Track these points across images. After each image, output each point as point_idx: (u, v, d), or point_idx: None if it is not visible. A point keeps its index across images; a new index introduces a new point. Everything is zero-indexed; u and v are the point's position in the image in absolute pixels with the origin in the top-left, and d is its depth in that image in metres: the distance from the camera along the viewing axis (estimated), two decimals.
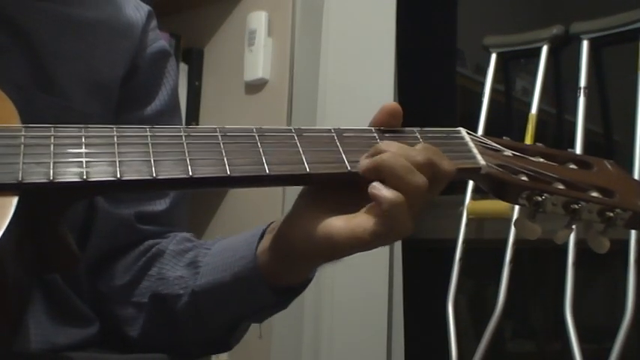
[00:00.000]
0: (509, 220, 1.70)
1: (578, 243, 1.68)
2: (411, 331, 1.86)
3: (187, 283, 0.77)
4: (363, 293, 1.78)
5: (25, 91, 0.73)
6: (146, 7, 0.91)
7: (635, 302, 1.59)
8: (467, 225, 1.87)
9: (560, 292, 1.68)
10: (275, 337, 1.72)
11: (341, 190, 0.66)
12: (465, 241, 1.86)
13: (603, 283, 2.01)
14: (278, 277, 0.70)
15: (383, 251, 1.79)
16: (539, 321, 2.17)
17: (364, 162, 0.64)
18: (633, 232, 1.61)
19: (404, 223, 0.62)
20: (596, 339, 1.85)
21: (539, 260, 2.07)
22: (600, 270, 1.98)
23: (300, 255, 0.67)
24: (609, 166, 0.76)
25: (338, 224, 0.64)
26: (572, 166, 0.75)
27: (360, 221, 0.63)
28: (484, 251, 2.03)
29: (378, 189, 0.62)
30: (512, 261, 1.77)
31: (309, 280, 0.74)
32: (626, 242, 1.62)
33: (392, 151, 0.63)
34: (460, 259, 1.85)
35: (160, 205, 0.86)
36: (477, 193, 1.88)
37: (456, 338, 1.80)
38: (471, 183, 1.88)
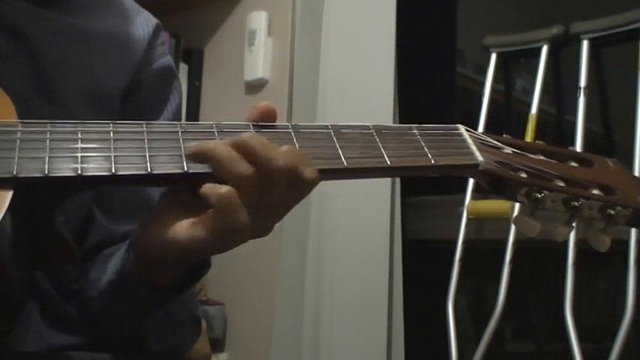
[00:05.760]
0: (509, 220, 1.70)
1: (578, 243, 1.68)
2: (411, 331, 1.86)
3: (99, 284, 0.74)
4: (363, 293, 1.78)
5: (26, 100, 0.72)
6: (155, 21, 0.90)
7: (635, 302, 1.59)
8: (467, 225, 1.87)
9: (560, 292, 1.68)
10: (275, 337, 1.72)
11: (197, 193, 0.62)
12: (465, 241, 1.86)
13: (603, 283, 2.01)
14: (151, 277, 0.67)
15: (383, 251, 1.79)
16: (539, 321, 2.17)
17: (191, 145, 0.62)
18: (633, 232, 1.61)
19: (238, 218, 0.60)
20: (596, 339, 1.84)
21: (539, 260, 2.07)
22: (600, 270, 1.98)
23: (158, 259, 0.65)
24: (610, 164, 0.76)
25: (181, 227, 0.62)
26: (573, 163, 0.75)
27: (198, 221, 0.61)
28: (484, 251, 2.03)
29: (207, 186, 0.60)
30: (512, 261, 1.78)
31: (197, 276, 0.71)
32: (626, 242, 1.62)
33: (223, 140, 0.62)
34: (460, 259, 1.85)
35: None
36: (477, 193, 1.88)
37: (456, 338, 1.80)
38: (470, 183, 1.89)
